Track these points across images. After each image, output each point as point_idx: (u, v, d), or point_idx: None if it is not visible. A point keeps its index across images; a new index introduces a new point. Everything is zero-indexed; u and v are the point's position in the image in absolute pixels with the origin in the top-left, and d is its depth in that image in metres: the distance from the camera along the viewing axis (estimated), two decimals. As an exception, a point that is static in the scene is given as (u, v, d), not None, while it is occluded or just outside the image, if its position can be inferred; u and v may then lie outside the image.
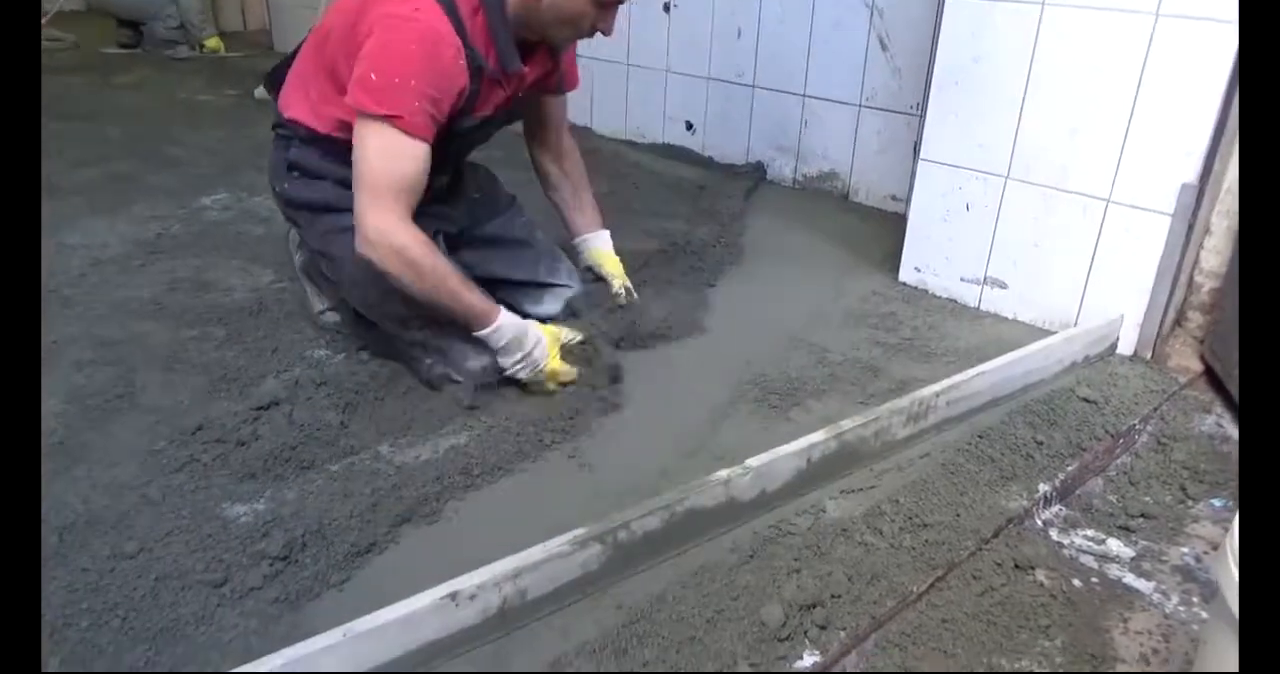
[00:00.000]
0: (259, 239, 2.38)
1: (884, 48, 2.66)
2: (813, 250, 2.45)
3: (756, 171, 3.03)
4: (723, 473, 1.28)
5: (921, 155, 2.12)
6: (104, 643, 1.07)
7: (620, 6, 1.58)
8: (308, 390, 1.62)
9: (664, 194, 2.82)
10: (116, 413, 1.55)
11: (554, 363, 1.61)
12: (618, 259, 1.97)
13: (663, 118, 3.35)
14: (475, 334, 1.57)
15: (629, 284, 1.95)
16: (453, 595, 1.04)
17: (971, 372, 1.61)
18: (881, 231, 2.54)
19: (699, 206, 2.70)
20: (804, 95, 2.89)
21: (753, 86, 3.01)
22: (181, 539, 1.24)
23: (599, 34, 1.60)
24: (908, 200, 2.22)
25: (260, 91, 3.98)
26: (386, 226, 1.46)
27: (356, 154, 1.47)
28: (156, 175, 2.85)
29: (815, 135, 2.92)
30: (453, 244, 1.73)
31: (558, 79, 1.79)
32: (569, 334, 1.67)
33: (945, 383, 1.56)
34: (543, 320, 1.71)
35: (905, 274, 2.24)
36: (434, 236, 1.64)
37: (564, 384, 1.64)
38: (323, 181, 1.65)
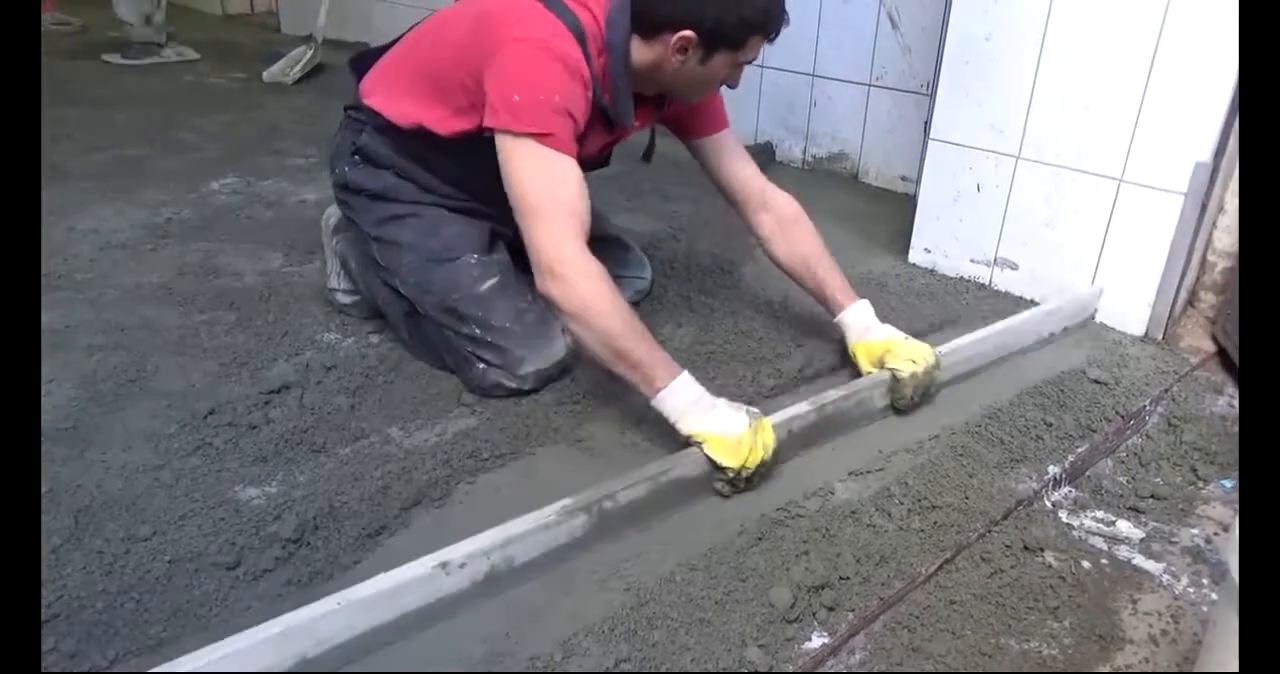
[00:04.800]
0: (268, 223, 2.38)
1: (894, 26, 2.63)
2: (822, 231, 2.41)
3: (765, 152, 3.02)
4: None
5: (932, 135, 2.11)
6: (119, 624, 1.08)
7: None
8: (318, 374, 1.62)
9: (673, 175, 2.80)
10: (129, 397, 1.56)
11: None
12: (899, 341, 1.59)
13: (671, 98, 3.33)
14: (651, 402, 1.36)
15: (922, 367, 1.54)
16: (443, 565, 1.08)
17: (949, 346, 1.64)
18: (891, 212, 2.53)
19: (707, 187, 2.68)
20: (813, 75, 2.87)
21: (761, 66, 2.99)
22: (194, 522, 1.25)
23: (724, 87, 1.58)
24: (918, 181, 2.21)
25: (269, 74, 3.98)
26: (577, 261, 1.34)
27: (512, 179, 1.38)
28: (165, 160, 2.85)
29: (824, 115, 2.90)
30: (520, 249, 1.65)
31: (698, 120, 1.68)
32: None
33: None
34: None
35: (915, 255, 2.23)
36: (495, 238, 1.68)
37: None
38: (385, 171, 1.66)
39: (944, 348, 1.62)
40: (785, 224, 1.71)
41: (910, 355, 1.55)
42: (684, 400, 1.34)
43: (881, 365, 1.57)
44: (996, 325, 1.75)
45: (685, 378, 1.36)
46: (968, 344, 1.68)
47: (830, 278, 1.67)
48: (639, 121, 1.59)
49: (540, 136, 1.37)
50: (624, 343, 1.34)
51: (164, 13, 4.25)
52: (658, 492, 1.27)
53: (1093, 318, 1.94)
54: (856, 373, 1.63)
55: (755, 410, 1.35)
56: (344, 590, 1.03)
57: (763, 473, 1.35)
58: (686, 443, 1.34)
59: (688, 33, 1.42)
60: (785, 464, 1.42)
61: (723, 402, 1.36)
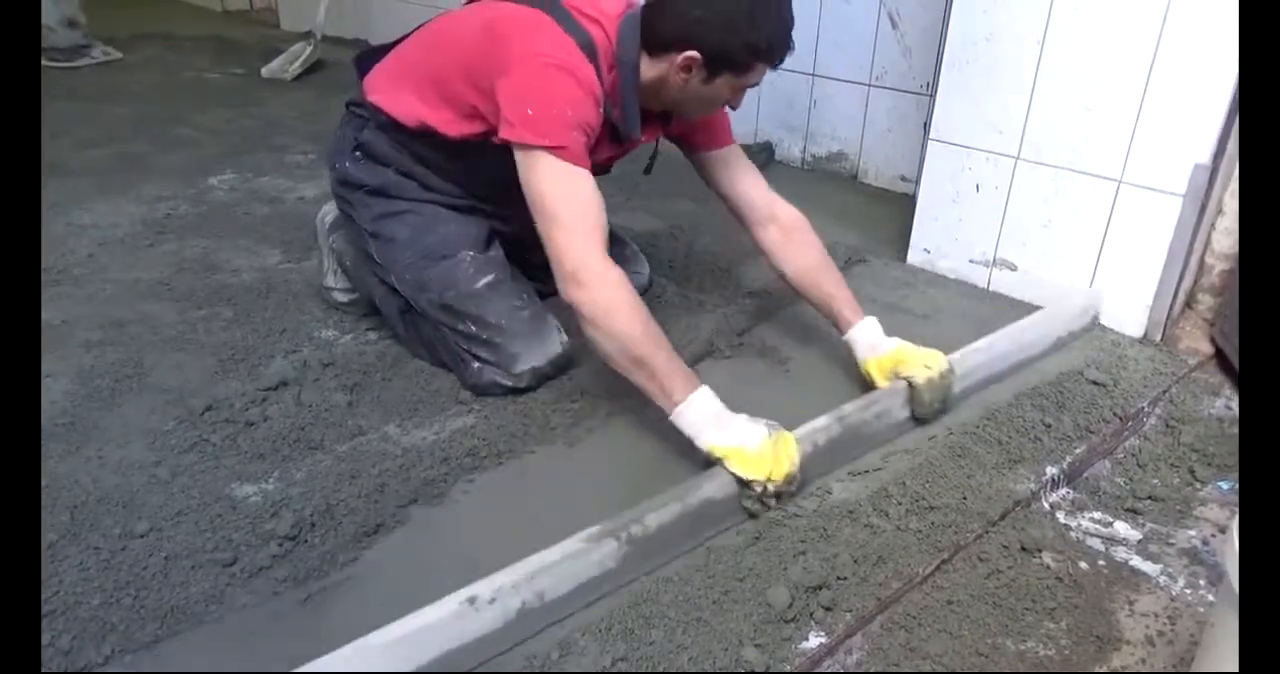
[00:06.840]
0: (266, 219, 2.38)
1: (894, 26, 2.63)
2: (820, 231, 2.39)
3: (765, 152, 3.02)
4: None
5: (931, 135, 2.11)
6: (115, 621, 1.08)
7: None
8: (315, 371, 1.62)
9: (672, 175, 2.79)
10: (126, 393, 1.55)
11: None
12: (909, 349, 1.55)
13: (671, 97, 3.33)
14: (670, 417, 1.34)
15: (937, 371, 1.51)
16: (471, 599, 1.02)
17: (959, 352, 1.60)
18: (890, 212, 2.53)
19: (707, 188, 2.68)
20: (813, 74, 2.87)
21: (762, 65, 2.99)
22: (191, 519, 1.25)
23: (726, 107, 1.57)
24: (917, 181, 2.20)
25: (268, 70, 3.98)
26: (599, 268, 1.34)
27: (533, 191, 1.39)
28: (165, 155, 2.85)
29: (824, 115, 2.90)
30: (520, 245, 1.66)
31: (702, 134, 1.67)
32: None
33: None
34: None
35: (914, 255, 2.23)
36: (493, 236, 1.68)
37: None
38: (386, 168, 1.65)
39: (955, 355, 1.58)
40: (789, 235, 1.67)
41: (924, 361, 1.51)
42: (703, 415, 1.31)
43: (896, 377, 1.53)
44: (1003, 331, 1.71)
45: (705, 392, 1.32)
46: (981, 348, 1.64)
47: (837, 293, 1.63)
48: (645, 136, 1.60)
49: (556, 150, 1.38)
50: (643, 350, 1.32)
51: (84, 15, 4.00)
52: (686, 513, 1.21)
53: (1096, 320, 1.92)
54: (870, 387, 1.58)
55: (774, 423, 1.31)
56: (362, 638, 0.96)
57: (792, 489, 1.30)
58: (708, 462, 1.30)
59: (693, 53, 1.43)
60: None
61: (742, 416, 1.31)
